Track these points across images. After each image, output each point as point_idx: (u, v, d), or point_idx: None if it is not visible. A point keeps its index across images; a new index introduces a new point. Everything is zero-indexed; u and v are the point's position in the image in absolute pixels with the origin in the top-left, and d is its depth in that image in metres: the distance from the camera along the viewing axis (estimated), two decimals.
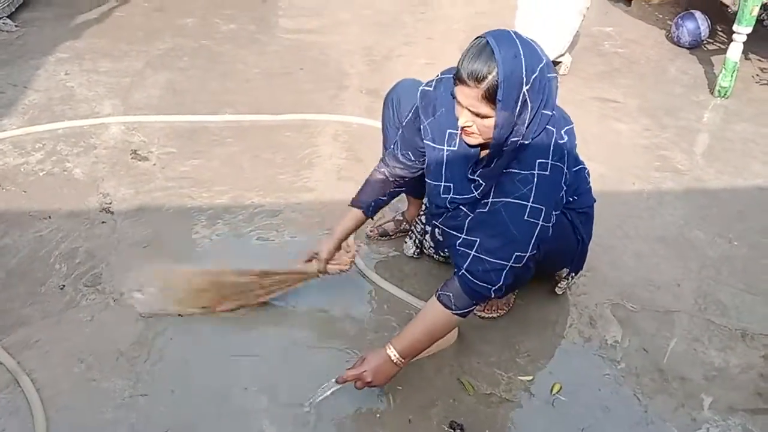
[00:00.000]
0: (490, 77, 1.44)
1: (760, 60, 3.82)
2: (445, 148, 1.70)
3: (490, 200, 1.62)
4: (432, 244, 2.10)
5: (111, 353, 1.81)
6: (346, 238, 1.94)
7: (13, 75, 3.23)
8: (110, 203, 2.39)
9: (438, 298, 1.64)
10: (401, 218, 2.29)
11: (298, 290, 2.05)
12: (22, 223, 2.26)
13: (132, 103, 3.06)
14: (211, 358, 1.82)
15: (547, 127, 1.56)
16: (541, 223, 1.57)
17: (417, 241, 2.17)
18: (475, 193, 1.65)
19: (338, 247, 1.93)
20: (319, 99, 3.19)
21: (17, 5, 3.89)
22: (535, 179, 1.55)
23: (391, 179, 1.91)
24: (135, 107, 3.02)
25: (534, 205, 1.55)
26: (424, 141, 1.74)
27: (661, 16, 4.39)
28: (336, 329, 1.95)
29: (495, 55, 1.43)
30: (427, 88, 1.74)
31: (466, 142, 1.60)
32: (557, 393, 1.78)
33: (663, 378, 1.86)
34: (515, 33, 1.49)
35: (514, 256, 1.58)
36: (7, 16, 3.75)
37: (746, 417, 1.77)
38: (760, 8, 3.26)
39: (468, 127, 1.53)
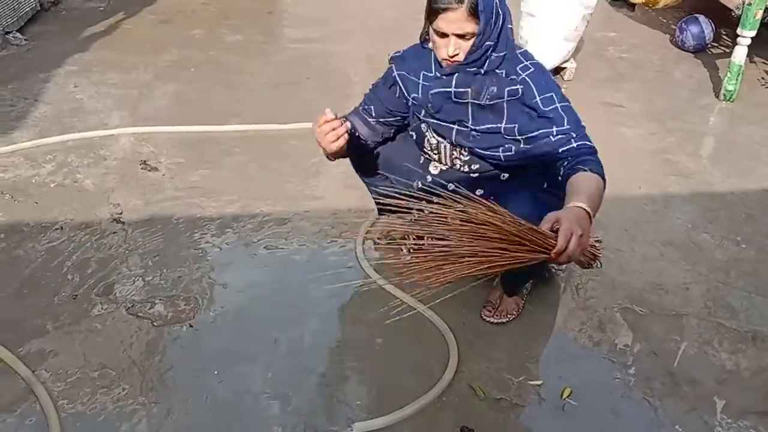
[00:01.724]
0: None
1: (765, 63, 3.82)
2: (426, 84, 1.81)
3: (504, 118, 1.76)
4: None
5: (124, 362, 1.83)
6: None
7: (23, 88, 3.27)
8: (121, 213, 2.41)
9: (591, 171, 1.60)
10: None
11: (310, 298, 2.07)
12: (35, 234, 2.29)
13: (140, 115, 3.09)
14: (222, 365, 1.83)
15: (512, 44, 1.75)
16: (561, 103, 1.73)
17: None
18: (453, 88, 1.75)
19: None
20: (325, 107, 3.18)
21: (26, 19, 3.94)
22: (528, 78, 1.72)
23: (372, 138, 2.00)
24: (143, 118, 3.06)
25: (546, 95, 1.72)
26: (410, 97, 1.85)
27: (664, 20, 4.40)
28: (345, 335, 1.96)
29: None
30: (396, 54, 1.90)
31: (446, 72, 1.74)
32: (567, 397, 1.79)
33: (673, 381, 1.86)
34: None
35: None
36: (17, 30, 3.80)
37: (758, 420, 1.76)
38: (764, 12, 3.27)
39: (456, 55, 1.67)
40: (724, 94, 3.43)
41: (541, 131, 1.72)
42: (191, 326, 1.95)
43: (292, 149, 2.86)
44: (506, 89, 1.73)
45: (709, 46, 3.99)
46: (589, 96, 3.44)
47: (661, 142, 3.07)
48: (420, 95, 1.84)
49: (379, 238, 2.31)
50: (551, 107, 1.71)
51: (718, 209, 2.62)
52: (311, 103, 3.26)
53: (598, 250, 1.73)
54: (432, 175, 1.95)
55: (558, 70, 3.58)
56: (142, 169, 2.68)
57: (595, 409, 1.77)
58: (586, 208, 1.48)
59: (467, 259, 1.42)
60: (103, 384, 1.76)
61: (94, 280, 2.10)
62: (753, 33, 3.28)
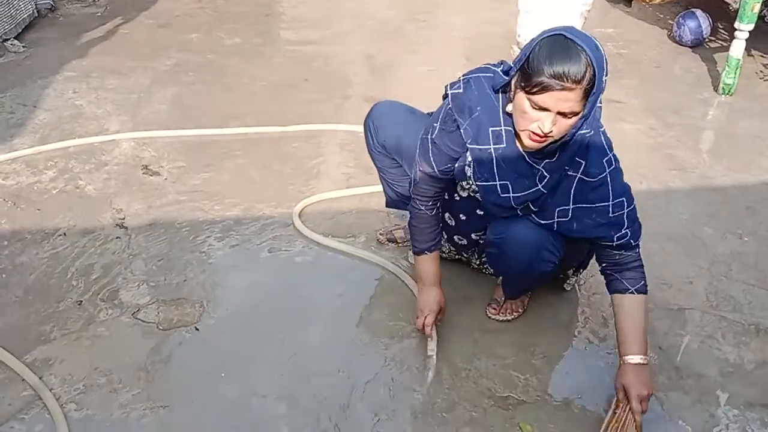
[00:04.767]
0: (588, 74, 1.41)
1: (762, 56, 3.83)
2: (492, 146, 1.65)
3: (570, 206, 1.68)
4: (452, 248, 2.10)
5: (131, 366, 1.83)
6: (440, 281, 1.92)
7: (23, 95, 3.27)
8: (123, 218, 2.42)
9: (637, 292, 1.72)
10: None
11: (314, 299, 2.08)
12: (38, 241, 2.29)
13: (140, 119, 3.09)
14: (228, 367, 1.84)
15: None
16: (625, 211, 1.70)
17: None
18: (540, 186, 1.65)
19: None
20: (324, 109, 3.22)
21: (24, 26, 3.94)
22: (608, 179, 1.65)
23: (433, 211, 1.86)
24: (144, 123, 3.06)
25: (617, 200, 1.68)
26: (468, 145, 1.67)
27: (662, 15, 4.41)
28: (351, 336, 1.96)
29: (585, 50, 1.41)
30: (456, 91, 1.68)
31: (528, 146, 1.56)
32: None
33: (678, 375, 1.87)
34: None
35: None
36: (14, 37, 3.80)
37: (764, 412, 1.77)
38: (761, 5, 3.27)
39: (549, 132, 1.48)
40: (723, 88, 3.44)
41: (599, 234, 1.70)
42: (197, 329, 1.96)
43: (293, 151, 2.87)
44: (584, 181, 1.64)
45: (707, 40, 3.99)
46: None
47: (661, 137, 3.08)
48: (484, 164, 1.67)
49: (381, 234, 2.32)
50: (618, 213, 1.68)
51: (719, 203, 2.62)
52: (311, 104, 3.26)
53: None
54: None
55: None
56: (143, 173, 2.69)
57: (602, 404, 1.78)
58: (642, 361, 1.68)
59: None
60: (110, 389, 1.77)
61: (98, 286, 2.10)
62: (751, 26, 3.28)
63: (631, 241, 1.72)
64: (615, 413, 1.68)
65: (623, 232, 1.70)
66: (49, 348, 1.88)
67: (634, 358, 1.67)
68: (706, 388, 1.84)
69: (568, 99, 1.43)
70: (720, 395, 1.82)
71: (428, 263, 1.90)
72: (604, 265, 1.77)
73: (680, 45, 4.00)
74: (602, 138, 1.65)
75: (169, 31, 4.12)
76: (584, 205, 1.67)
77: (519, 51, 3.57)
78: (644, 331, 1.71)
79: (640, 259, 1.75)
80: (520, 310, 2.03)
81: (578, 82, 1.41)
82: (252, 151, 2.86)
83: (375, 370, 1.84)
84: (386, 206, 2.23)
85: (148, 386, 1.78)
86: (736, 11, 3.31)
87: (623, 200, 1.69)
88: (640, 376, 1.66)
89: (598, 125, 1.64)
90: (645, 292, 1.74)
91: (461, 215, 1.92)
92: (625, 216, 1.70)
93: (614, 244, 1.72)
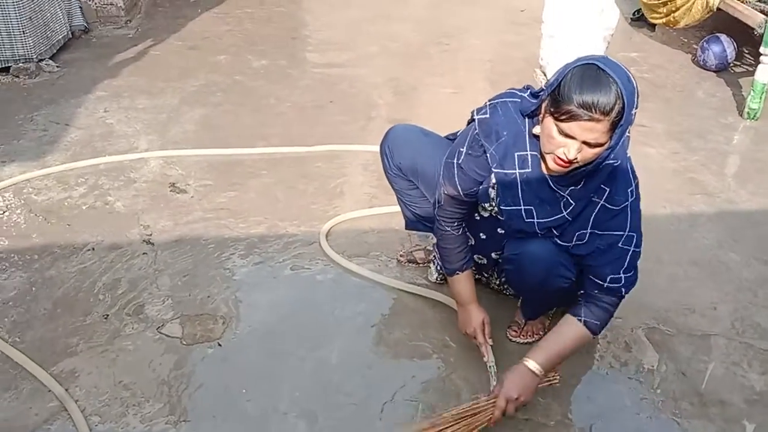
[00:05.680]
0: (617, 106, 1.43)
1: None
2: (518, 171, 1.67)
3: (588, 231, 1.67)
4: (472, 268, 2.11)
5: (154, 381, 1.86)
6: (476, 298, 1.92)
7: (56, 113, 3.36)
8: (150, 235, 2.46)
9: (585, 324, 1.69)
10: (431, 248, 2.31)
11: (335, 317, 2.10)
12: (67, 255, 2.34)
13: (169, 138, 3.16)
14: (250, 383, 1.85)
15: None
16: (632, 249, 1.67)
17: (440, 267, 2.19)
18: (565, 213, 1.66)
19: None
20: (349, 130, 3.26)
21: (58, 47, 4.06)
22: (629, 210, 1.64)
23: (459, 231, 1.88)
24: (172, 142, 3.13)
25: (630, 233, 1.67)
26: (493, 169, 1.70)
27: (686, 40, 4.41)
28: (371, 354, 1.97)
29: (617, 82, 1.42)
30: (483, 116, 1.71)
31: (553, 170, 1.58)
32: None
33: (702, 402, 1.85)
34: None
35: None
36: (49, 58, 3.91)
37: None
38: None
39: (574, 159, 1.50)
40: (748, 113, 3.42)
41: (596, 262, 1.69)
42: (219, 345, 1.98)
43: (317, 171, 2.91)
44: (606, 208, 1.64)
45: (732, 65, 3.98)
46: None
47: (685, 161, 3.07)
48: (508, 189, 1.69)
49: (402, 255, 2.33)
50: (625, 247, 1.66)
51: (744, 228, 2.60)
52: (336, 126, 3.31)
53: (553, 381, 1.77)
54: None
55: None
56: (171, 191, 2.74)
57: (623, 429, 1.76)
58: (536, 370, 1.66)
59: None
60: (134, 402, 1.79)
61: (124, 301, 2.14)
62: None
63: (622, 289, 1.70)
64: (479, 399, 1.70)
65: (619, 275, 1.67)
66: (76, 360, 1.92)
67: (531, 364, 1.66)
68: (730, 417, 1.81)
69: (595, 130, 1.44)
70: (746, 424, 1.79)
71: (462, 283, 1.90)
72: (581, 291, 1.75)
73: (704, 69, 3.99)
74: (629, 167, 1.66)
75: (198, 53, 4.21)
76: (599, 231, 1.67)
77: (542, 74, 3.61)
78: (561, 356, 1.70)
79: (615, 307, 1.72)
80: (540, 333, 2.02)
81: (606, 113, 1.42)
82: (277, 171, 2.90)
83: (395, 389, 1.85)
84: (405, 228, 2.24)
85: (170, 400, 1.80)
86: (761, 36, 3.30)
87: (634, 236, 1.67)
88: (523, 380, 1.65)
89: (626, 155, 1.64)
90: (593, 332, 1.71)
91: (482, 234, 1.93)
92: (629, 255, 1.67)
93: (604, 285, 1.68)
